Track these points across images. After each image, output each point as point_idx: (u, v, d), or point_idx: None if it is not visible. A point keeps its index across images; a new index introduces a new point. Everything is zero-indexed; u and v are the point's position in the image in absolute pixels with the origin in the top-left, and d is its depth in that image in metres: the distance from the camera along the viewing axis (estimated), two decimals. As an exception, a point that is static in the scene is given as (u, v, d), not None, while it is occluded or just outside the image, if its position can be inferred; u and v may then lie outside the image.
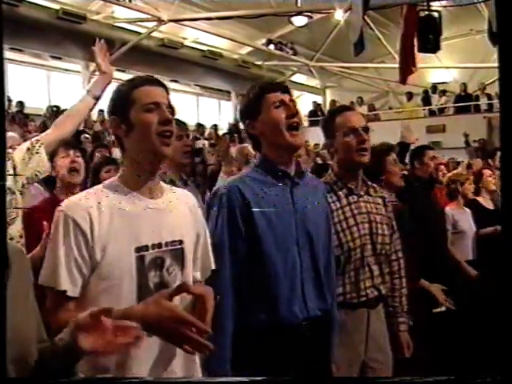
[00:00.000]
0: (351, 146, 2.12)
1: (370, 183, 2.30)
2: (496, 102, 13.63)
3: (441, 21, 7.81)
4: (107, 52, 2.32)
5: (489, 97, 14.07)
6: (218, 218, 1.71)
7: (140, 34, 12.39)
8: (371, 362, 2.17)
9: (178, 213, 1.55)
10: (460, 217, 3.97)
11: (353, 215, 2.16)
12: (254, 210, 1.71)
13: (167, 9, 11.68)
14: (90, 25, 11.76)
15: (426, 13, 7.83)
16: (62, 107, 11.43)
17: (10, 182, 2.06)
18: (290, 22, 12.81)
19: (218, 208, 1.72)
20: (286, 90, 1.85)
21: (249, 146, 4.00)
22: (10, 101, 10.68)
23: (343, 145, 2.14)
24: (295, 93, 18.28)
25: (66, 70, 13.76)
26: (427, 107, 15.14)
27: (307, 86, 18.23)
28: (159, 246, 1.47)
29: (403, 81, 6.85)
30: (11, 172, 2.05)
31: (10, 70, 12.38)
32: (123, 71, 14.44)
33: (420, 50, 7.59)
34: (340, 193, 2.18)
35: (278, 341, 1.67)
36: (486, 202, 4.23)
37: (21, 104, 11.23)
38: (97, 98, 2.29)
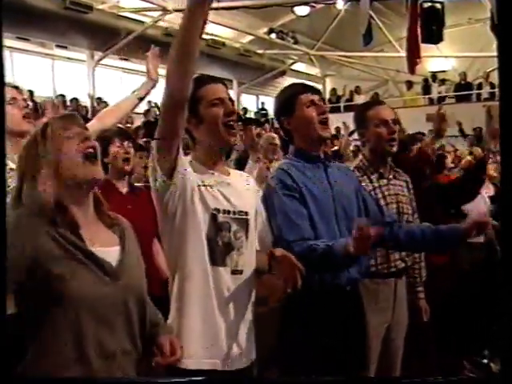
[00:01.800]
0: (382, 137, 2.42)
1: (396, 168, 2.60)
2: (496, 90, 13.88)
3: (443, 12, 8.07)
4: (159, 59, 2.52)
5: (492, 85, 14.28)
6: (277, 196, 1.98)
7: (144, 23, 12.52)
8: (395, 325, 2.47)
9: (242, 189, 1.84)
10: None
11: (383, 196, 2.47)
12: (301, 186, 1.99)
13: (172, -2, 11.84)
14: (96, 14, 11.89)
15: (430, 4, 8.09)
16: (68, 96, 11.67)
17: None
18: (292, 12, 13.01)
19: (272, 190, 2.00)
20: (316, 91, 2.14)
21: (275, 136, 4.27)
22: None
23: (375, 135, 2.44)
24: (295, 81, 18.53)
25: (70, 58, 13.91)
26: (427, 96, 15.36)
27: (307, 74, 18.39)
28: (228, 212, 1.74)
29: (412, 71, 7.11)
30: None
31: (16, 58, 12.56)
32: (126, 59, 14.65)
33: (423, 41, 7.83)
34: (372, 177, 2.49)
35: (325, 298, 1.95)
36: (487, 188, 4.46)
37: (31, 93, 11.38)
38: (140, 99, 2.55)
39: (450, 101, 14.85)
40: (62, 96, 11.52)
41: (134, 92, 2.56)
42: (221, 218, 1.72)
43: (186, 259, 1.69)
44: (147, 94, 2.55)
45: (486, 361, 3.97)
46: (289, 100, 2.11)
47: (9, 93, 2.12)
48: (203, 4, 1.47)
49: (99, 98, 12.44)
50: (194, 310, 1.69)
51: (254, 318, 1.84)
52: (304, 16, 13.02)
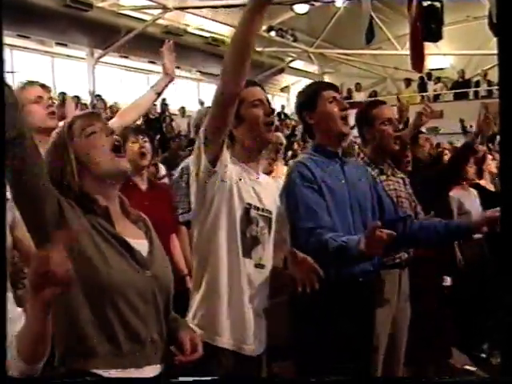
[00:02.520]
0: (388, 135, 2.51)
1: (393, 166, 2.72)
2: (494, 88, 13.98)
3: (443, 11, 8.14)
4: (174, 54, 2.59)
5: (489, 83, 14.38)
6: (297, 187, 2.08)
7: (144, 21, 12.54)
8: (400, 316, 2.56)
9: (269, 188, 1.96)
10: (465, 199, 4.24)
11: (384, 191, 2.54)
12: (319, 180, 2.09)
13: (172, -4, 11.89)
14: (96, 12, 11.92)
15: (429, 3, 8.16)
16: (69, 94, 11.70)
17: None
18: (292, 10, 13.06)
19: (291, 183, 2.10)
20: (337, 89, 2.25)
21: (281, 135, 4.36)
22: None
23: (381, 133, 2.52)
24: (293, 78, 18.59)
25: (70, 56, 13.94)
26: (424, 93, 15.45)
27: (305, 71, 18.47)
28: (257, 208, 1.86)
29: (419, 69, 7.18)
30: None
31: (15, 56, 12.59)
32: (126, 57, 14.68)
33: (423, 39, 7.90)
34: (373, 173, 2.57)
35: (339, 289, 2.03)
36: (488, 184, 4.55)
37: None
38: (158, 94, 2.60)
39: (447, 98, 14.96)
40: (63, 94, 11.56)
41: (152, 87, 2.60)
42: (252, 212, 1.83)
43: (219, 247, 1.78)
44: (165, 88, 2.59)
45: (484, 355, 4.06)
46: (312, 95, 2.22)
47: (35, 91, 2.19)
48: (262, 8, 1.56)
49: (98, 95, 12.47)
50: (223, 295, 1.78)
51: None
52: (303, 14, 13.05)
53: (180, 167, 3.30)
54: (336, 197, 2.10)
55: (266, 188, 1.94)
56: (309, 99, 2.23)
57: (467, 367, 3.94)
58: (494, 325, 3.71)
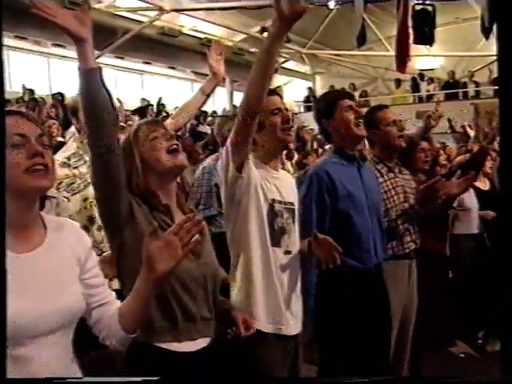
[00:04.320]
0: (394, 135, 2.74)
1: (399, 164, 2.96)
2: (483, 88, 14.31)
3: (435, 14, 8.41)
4: (221, 54, 2.57)
5: (476, 84, 14.70)
6: (307, 194, 2.30)
7: (140, 22, 12.68)
8: (410, 304, 2.78)
9: (289, 184, 2.19)
10: (465, 195, 4.44)
11: (393, 187, 2.81)
12: (336, 182, 2.31)
13: (168, -2, 12.05)
14: (92, 13, 11.89)
15: (421, 7, 8.43)
16: (67, 94, 11.80)
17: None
18: (286, 11, 13.23)
19: (308, 186, 2.30)
20: (352, 97, 2.48)
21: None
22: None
23: (387, 134, 2.76)
24: (285, 78, 18.81)
25: (65, 56, 14.02)
26: (416, 94, 15.74)
27: (297, 72, 18.71)
28: (280, 202, 2.08)
29: (402, 70, 7.41)
30: None
31: (11, 57, 12.67)
32: (122, 58, 14.81)
33: (416, 42, 8.16)
34: (382, 171, 2.81)
35: (353, 278, 2.27)
36: (483, 184, 4.76)
37: (31, 91, 11.53)
38: (207, 95, 2.64)
39: (438, 98, 15.21)
40: (61, 94, 11.67)
41: (200, 89, 2.66)
42: (277, 206, 2.06)
43: (250, 241, 2.00)
44: (213, 89, 2.63)
45: (480, 341, 4.30)
46: (329, 104, 2.45)
47: None
48: (283, 34, 1.77)
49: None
50: (258, 283, 2.00)
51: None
52: (297, 16, 13.24)
53: (201, 166, 3.51)
54: (355, 200, 2.33)
55: (285, 182, 2.16)
56: (327, 108, 2.46)
57: (463, 355, 4.18)
58: (491, 315, 3.95)
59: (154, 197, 1.68)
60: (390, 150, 2.86)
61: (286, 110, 2.13)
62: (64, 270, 1.31)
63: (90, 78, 1.46)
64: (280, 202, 2.08)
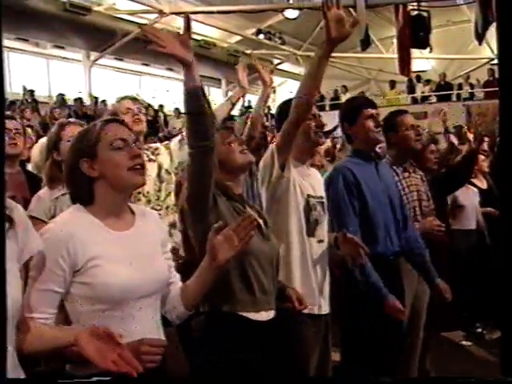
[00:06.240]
0: (412, 138, 3.00)
1: (414, 164, 3.21)
2: (476, 90, 14.65)
3: (430, 20, 8.73)
4: (246, 70, 3.00)
5: (471, 86, 15.03)
6: (337, 191, 2.56)
7: (140, 24, 12.86)
8: (421, 295, 3.04)
9: (319, 179, 2.48)
10: (459, 193, 4.64)
11: (407, 186, 3.07)
12: (360, 180, 2.57)
13: (168, 1, 12.27)
14: (93, 16, 12.24)
15: (417, 12, 8.74)
16: (67, 96, 12.01)
17: (167, 165, 2.86)
18: (282, 15, 13.54)
19: (338, 183, 2.57)
20: (375, 106, 2.71)
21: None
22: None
23: (405, 137, 3.01)
24: (280, 79, 19.07)
25: (65, 58, 14.19)
26: (410, 95, 16.06)
27: (291, 73, 18.97)
28: (314, 197, 2.35)
29: (407, 74, 7.70)
30: (169, 158, 2.85)
31: (11, 58, 12.81)
32: (120, 59, 15.02)
33: (411, 47, 8.47)
34: (397, 170, 3.08)
35: (379, 266, 2.52)
36: (480, 182, 4.99)
37: (31, 93, 11.69)
38: (233, 104, 3.03)
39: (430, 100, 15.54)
40: (62, 95, 11.85)
41: (228, 98, 3.06)
42: (311, 201, 2.33)
43: (290, 232, 2.27)
44: (239, 99, 3.04)
45: (479, 330, 4.54)
46: (353, 111, 2.69)
47: (125, 105, 2.67)
48: (331, 53, 2.10)
49: (104, 101, 12.77)
50: (296, 269, 2.26)
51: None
52: (293, 19, 13.54)
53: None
54: (376, 197, 2.58)
55: (315, 178, 2.44)
56: (350, 114, 2.70)
57: (463, 343, 4.45)
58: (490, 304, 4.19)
59: (229, 189, 1.97)
60: (406, 152, 3.10)
61: (319, 116, 2.41)
62: (153, 246, 1.60)
63: (198, 94, 1.69)
64: (314, 197, 2.34)
